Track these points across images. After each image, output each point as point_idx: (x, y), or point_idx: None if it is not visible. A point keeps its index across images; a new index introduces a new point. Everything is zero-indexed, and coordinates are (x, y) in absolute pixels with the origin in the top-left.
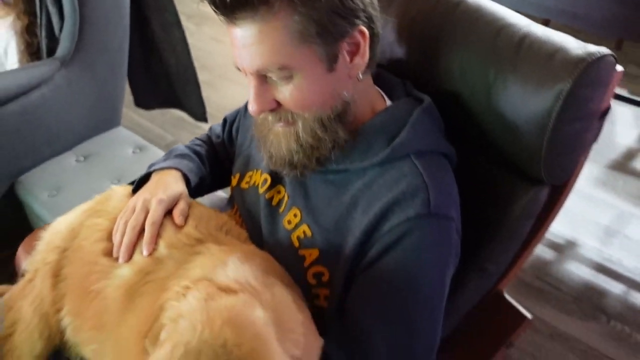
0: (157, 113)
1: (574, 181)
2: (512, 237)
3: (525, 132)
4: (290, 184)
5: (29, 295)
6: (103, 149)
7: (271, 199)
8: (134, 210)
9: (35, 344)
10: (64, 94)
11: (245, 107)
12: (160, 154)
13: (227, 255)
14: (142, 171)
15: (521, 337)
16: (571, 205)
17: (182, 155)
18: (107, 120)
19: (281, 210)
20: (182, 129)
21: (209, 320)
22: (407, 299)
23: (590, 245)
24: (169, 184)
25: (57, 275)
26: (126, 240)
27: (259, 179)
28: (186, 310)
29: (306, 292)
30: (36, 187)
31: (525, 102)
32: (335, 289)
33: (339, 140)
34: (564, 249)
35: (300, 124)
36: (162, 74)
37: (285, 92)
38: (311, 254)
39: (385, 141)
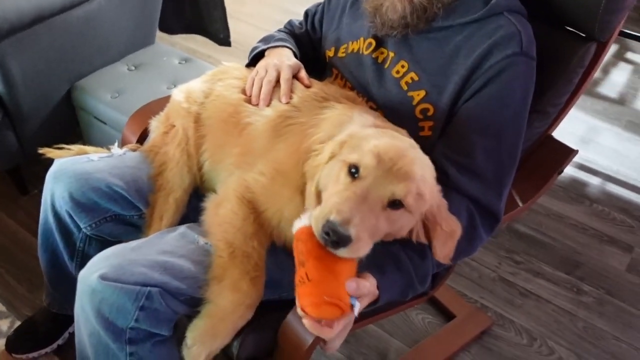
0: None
1: (614, 38)
2: (568, 83)
3: None
4: (394, 44)
5: (173, 140)
6: (150, 59)
7: (377, 58)
8: (265, 71)
9: (184, 177)
10: (116, 5)
11: (328, 0)
12: (205, 65)
13: (349, 111)
14: (192, 78)
15: (525, 216)
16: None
17: (283, 39)
18: (147, 36)
19: (386, 65)
20: None
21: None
22: (501, 116)
23: None
24: (289, 56)
25: (197, 121)
26: (264, 90)
27: (362, 44)
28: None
29: (414, 125)
30: (98, 90)
31: None
32: (439, 119)
33: (446, 1)
34: None
35: None
36: None
37: None
38: (419, 94)
39: (481, 3)
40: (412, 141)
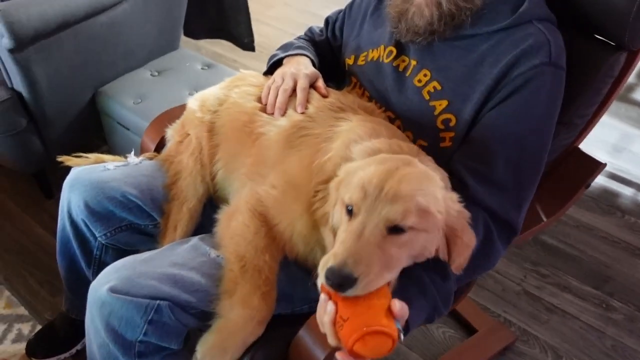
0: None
1: None
2: (596, 94)
3: (617, 2)
4: (416, 52)
5: (187, 149)
6: (173, 65)
7: (397, 66)
8: (282, 80)
9: (198, 186)
10: (141, 11)
11: (350, 6)
12: (227, 70)
13: (362, 128)
14: (214, 83)
15: (552, 227)
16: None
17: (302, 47)
18: (171, 41)
19: (408, 74)
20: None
21: None
22: (525, 127)
23: (603, 159)
24: (307, 65)
25: (211, 130)
26: (280, 99)
27: (383, 52)
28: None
29: (434, 136)
30: (121, 96)
31: None
32: (461, 130)
33: (475, 9)
34: None
35: None
36: (214, 1)
37: None
38: (441, 104)
39: (509, 11)
40: (405, 157)
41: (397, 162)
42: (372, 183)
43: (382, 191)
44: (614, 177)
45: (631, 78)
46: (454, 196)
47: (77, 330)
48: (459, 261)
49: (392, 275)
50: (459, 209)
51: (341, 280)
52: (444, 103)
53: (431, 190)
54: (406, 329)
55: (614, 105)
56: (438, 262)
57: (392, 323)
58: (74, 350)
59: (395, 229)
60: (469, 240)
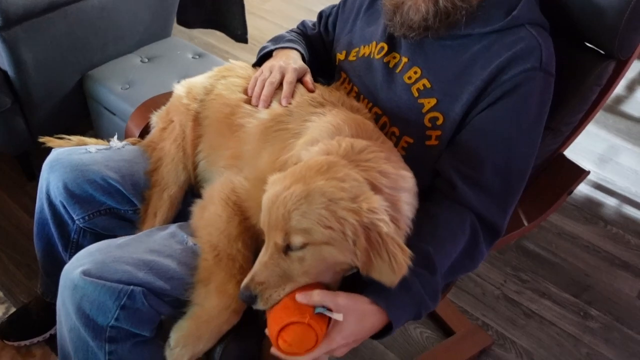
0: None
1: (635, 57)
2: (583, 102)
3: (608, 11)
4: (408, 49)
5: (170, 136)
6: (164, 52)
7: (388, 62)
8: (270, 72)
9: (179, 174)
10: None
11: (344, 1)
12: (218, 61)
13: (333, 119)
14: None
15: (535, 234)
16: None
17: (293, 40)
18: (164, 28)
19: (398, 70)
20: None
21: None
22: (514, 132)
23: (588, 168)
24: (296, 59)
25: (196, 120)
26: (266, 92)
27: (374, 49)
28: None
29: (421, 133)
30: (109, 81)
31: None
32: (448, 129)
33: (470, 9)
34: None
35: None
36: None
37: None
38: (429, 102)
39: (503, 13)
40: (301, 172)
41: (290, 180)
42: (265, 208)
43: (271, 216)
44: (598, 187)
45: (620, 90)
46: (367, 201)
47: (51, 314)
48: (399, 256)
49: (299, 284)
50: (368, 209)
51: (245, 298)
52: (433, 101)
53: (312, 208)
54: (390, 327)
55: (602, 116)
56: (425, 256)
57: (304, 314)
58: (47, 335)
59: (289, 248)
60: (388, 230)
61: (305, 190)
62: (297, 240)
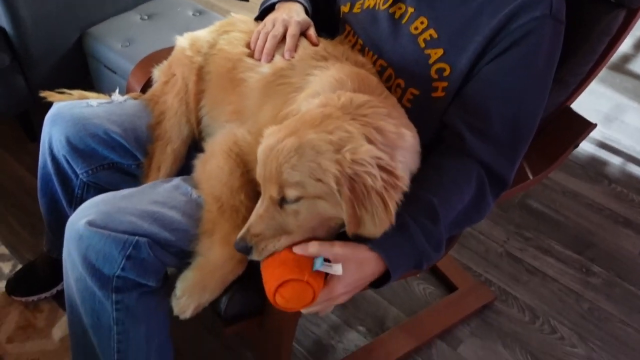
0: None
1: None
2: (591, 51)
3: None
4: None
5: (172, 89)
6: (164, 10)
7: (394, 13)
8: (272, 25)
9: (183, 128)
10: None
11: None
12: (219, 18)
13: (337, 72)
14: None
15: (538, 192)
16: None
17: None
18: None
19: (404, 21)
20: None
21: None
22: (523, 82)
23: None
24: (299, 12)
25: (199, 74)
26: (268, 45)
27: (379, 0)
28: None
29: (427, 85)
30: (108, 38)
31: None
32: (455, 81)
33: None
34: None
35: None
36: None
37: None
38: (436, 53)
39: None
40: (296, 125)
41: (284, 133)
42: (260, 161)
43: (265, 169)
44: (603, 145)
45: (627, 48)
46: (352, 151)
47: (57, 270)
48: (381, 210)
49: (294, 238)
50: (352, 160)
51: (240, 248)
52: (440, 52)
53: (302, 161)
54: (387, 276)
55: (609, 75)
56: (429, 207)
57: (303, 272)
58: (54, 291)
59: (284, 201)
60: (372, 183)
61: (297, 143)
62: (291, 193)
